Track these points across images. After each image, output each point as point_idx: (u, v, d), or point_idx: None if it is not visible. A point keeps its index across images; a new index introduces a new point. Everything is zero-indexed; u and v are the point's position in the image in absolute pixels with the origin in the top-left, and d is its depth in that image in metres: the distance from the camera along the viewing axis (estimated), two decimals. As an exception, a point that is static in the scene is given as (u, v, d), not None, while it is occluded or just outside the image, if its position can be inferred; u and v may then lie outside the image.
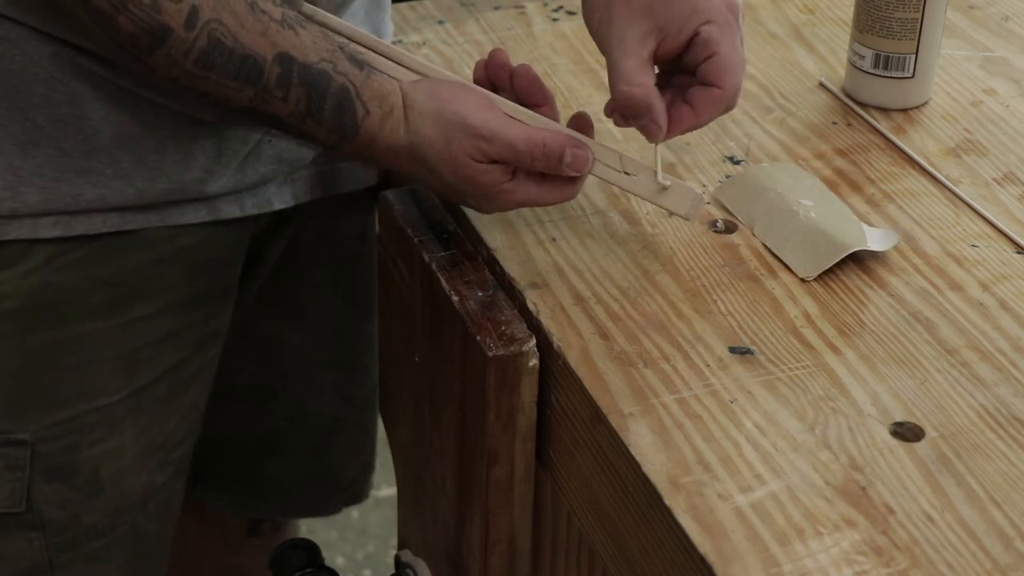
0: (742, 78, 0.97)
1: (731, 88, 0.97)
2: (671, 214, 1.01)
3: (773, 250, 1.01)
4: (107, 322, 1.05)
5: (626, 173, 0.98)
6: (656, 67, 0.99)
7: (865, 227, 1.02)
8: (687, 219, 0.99)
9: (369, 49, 1.00)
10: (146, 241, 1.05)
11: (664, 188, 0.98)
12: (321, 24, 0.98)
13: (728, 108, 0.99)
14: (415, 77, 0.99)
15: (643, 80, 0.96)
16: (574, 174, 0.96)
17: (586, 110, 1.01)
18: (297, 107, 0.93)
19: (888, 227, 1.04)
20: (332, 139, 0.95)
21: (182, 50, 0.90)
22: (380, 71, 0.97)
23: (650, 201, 0.99)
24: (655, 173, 0.98)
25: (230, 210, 1.08)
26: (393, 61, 1.00)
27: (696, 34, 0.96)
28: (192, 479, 1.26)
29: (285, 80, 0.92)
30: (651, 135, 0.98)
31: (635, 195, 1.00)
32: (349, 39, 0.99)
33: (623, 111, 0.98)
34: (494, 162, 0.95)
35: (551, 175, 0.96)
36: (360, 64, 0.96)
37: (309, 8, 1.00)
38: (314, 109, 0.93)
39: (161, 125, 1.01)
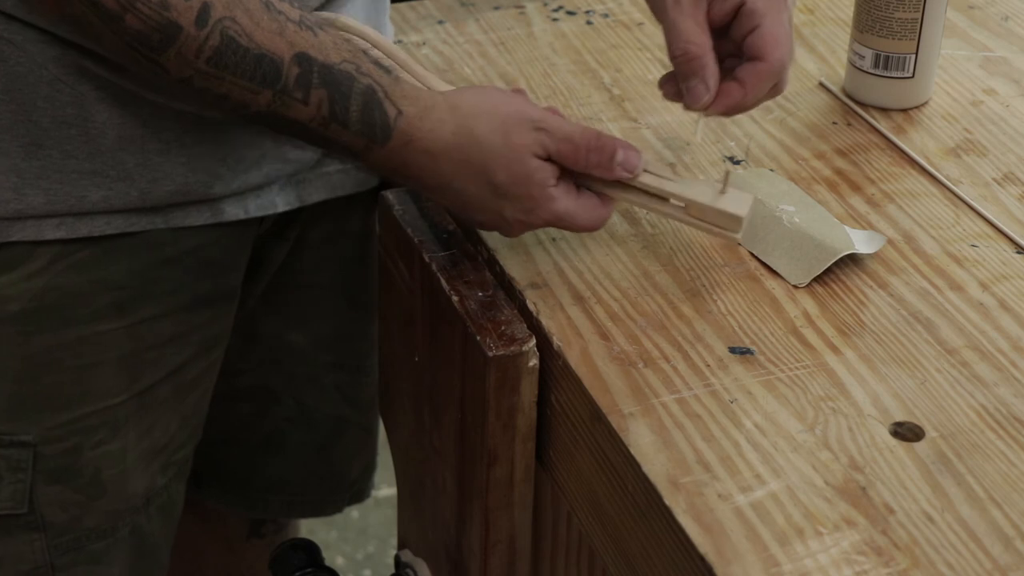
0: (789, 55, 0.97)
1: (776, 62, 0.96)
2: (720, 230, 0.95)
3: (761, 258, 1.00)
4: (111, 324, 1.05)
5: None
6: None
7: (848, 229, 1.02)
8: (738, 231, 0.94)
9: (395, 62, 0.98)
10: (150, 243, 1.05)
11: (721, 192, 0.94)
12: (344, 29, 0.97)
13: (778, 89, 0.99)
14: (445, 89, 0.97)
15: (701, 40, 0.97)
16: (625, 175, 0.94)
17: (586, 110, 1.01)
18: (319, 111, 0.91)
19: (888, 227, 1.04)
20: (359, 144, 0.93)
21: (193, 49, 0.88)
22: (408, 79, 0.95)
23: (700, 216, 0.94)
24: (707, 182, 0.95)
25: (234, 212, 1.08)
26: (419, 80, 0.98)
27: (742, 4, 0.97)
28: (195, 480, 1.26)
29: (305, 80, 0.90)
30: (696, 97, 0.97)
31: (687, 202, 0.95)
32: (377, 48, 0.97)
33: (678, 69, 0.98)
34: (548, 160, 0.94)
35: (585, 192, 0.95)
36: (386, 68, 0.94)
37: (329, 14, 0.98)
38: (338, 112, 0.91)
39: (165, 127, 1.01)
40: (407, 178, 0.96)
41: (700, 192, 0.95)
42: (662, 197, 0.95)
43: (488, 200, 0.95)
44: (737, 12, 0.97)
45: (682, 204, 0.95)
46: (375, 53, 0.96)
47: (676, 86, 0.99)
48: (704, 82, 0.97)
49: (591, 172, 0.94)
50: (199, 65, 0.89)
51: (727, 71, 0.98)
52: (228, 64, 0.89)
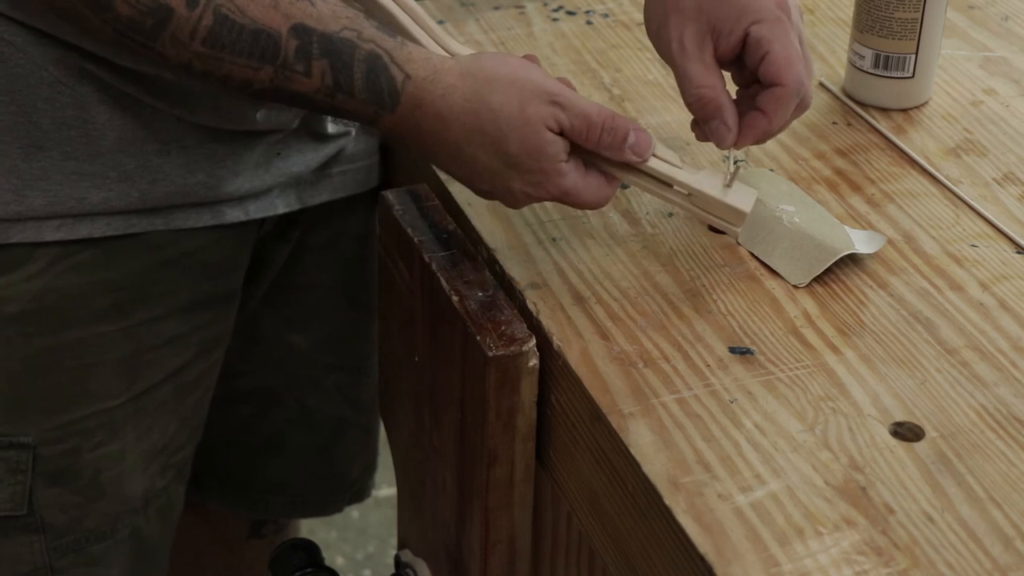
0: (805, 73, 0.96)
1: (792, 83, 0.95)
2: (725, 224, 0.97)
3: (761, 258, 1.00)
4: (110, 326, 1.05)
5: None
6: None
7: (848, 229, 1.02)
8: (740, 225, 0.95)
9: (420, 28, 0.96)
10: (150, 245, 1.05)
11: (728, 187, 0.94)
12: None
13: (803, 107, 0.98)
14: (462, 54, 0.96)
15: (711, 82, 0.96)
16: (635, 159, 0.93)
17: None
18: (323, 82, 0.89)
19: (888, 227, 1.04)
20: (368, 112, 0.91)
21: (187, 30, 0.87)
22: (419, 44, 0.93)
23: (703, 206, 0.95)
24: (717, 174, 0.95)
25: (234, 214, 1.08)
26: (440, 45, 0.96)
27: (747, 35, 0.96)
28: (196, 482, 1.26)
29: (304, 52, 0.88)
30: (720, 137, 0.96)
31: (693, 191, 0.95)
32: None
33: (696, 114, 0.97)
34: (561, 134, 0.92)
35: (592, 169, 0.95)
36: (391, 33, 0.92)
37: None
38: (342, 81, 0.90)
39: (165, 129, 1.01)
40: (420, 144, 0.94)
41: (706, 183, 0.95)
42: (667, 183, 0.96)
43: (498, 170, 0.93)
44: (744, 43, 0.96)
45: (686, 192, 0.96)
46: (393, 11, 0.94)
47: (697, 122, 0.99)
48: (724, 122, 0.96)
49: (601, 152, 0.93)
50: (195, 47, 0.88)
51: (751, 98, 0.98)
52: (224, 43, 0.88)
